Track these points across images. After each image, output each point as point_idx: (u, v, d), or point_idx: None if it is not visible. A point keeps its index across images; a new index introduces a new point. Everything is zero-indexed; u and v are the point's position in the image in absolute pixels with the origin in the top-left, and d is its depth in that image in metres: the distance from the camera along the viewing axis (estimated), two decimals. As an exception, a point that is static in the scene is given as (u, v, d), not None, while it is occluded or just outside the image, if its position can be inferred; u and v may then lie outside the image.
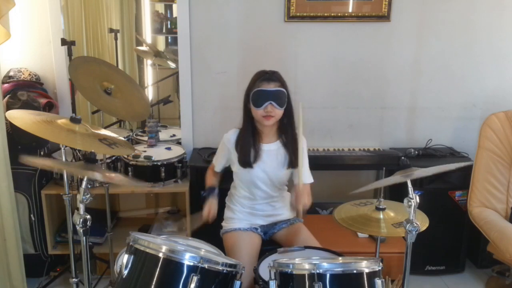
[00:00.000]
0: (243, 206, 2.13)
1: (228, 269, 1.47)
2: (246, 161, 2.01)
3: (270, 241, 2.15)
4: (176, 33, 2.85)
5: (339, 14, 2.82)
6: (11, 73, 2.69)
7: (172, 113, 3.54)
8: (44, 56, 2.79)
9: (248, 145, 2.02)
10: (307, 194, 1.94)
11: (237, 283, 1.50)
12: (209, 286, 1.44)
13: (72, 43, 2.41)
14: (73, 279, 2.06)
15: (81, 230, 1.53)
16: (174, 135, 3.23)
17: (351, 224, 1.82)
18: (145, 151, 2.79)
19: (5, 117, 2.14)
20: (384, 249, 2.24)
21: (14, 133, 2.37)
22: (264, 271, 1.63)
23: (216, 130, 2.91)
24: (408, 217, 1.55)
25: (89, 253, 1.62)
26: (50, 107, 2.67)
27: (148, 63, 3.85)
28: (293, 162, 2.02)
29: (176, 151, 2.82)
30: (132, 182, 1.77)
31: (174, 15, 3.48)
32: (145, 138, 3.00)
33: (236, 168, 2.08)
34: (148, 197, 3.22)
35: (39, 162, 1.89)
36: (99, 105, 2.25)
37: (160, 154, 2.76)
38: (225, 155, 2.12)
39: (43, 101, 2.62)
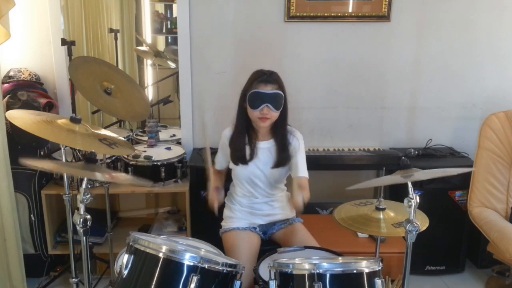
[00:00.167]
0: (242, 205, 2.13)
1: (228, 269, 1.47)
2: (238, 158, 2.03)
3: (270, 241, 2.15)
4: (176, 33, 2.85)
5: (339, 14, 2.82)
6: (11, 73, 2.69)
7: (172, 113, 3.54)
8: (44, 56, 2.79)
9: (241, 143, 2.03)
10: (305, 188, 1.95)
11: (237, 283, 1.50)
12: (209, 286, 1.44)
13: (72, 43, 2.41)
14: (73, 279, 2.06)
15: (81, 230, 1.53)
16: (174, 135, 3.23)
17: (351, 224, 1.81)
18: (145, 151, 2.79)
19: (5, 117, 2.14)
20: (384, 249, 2.23)
21: (14, 133, 2.37)
22: (264, 271, 1.63)
23: (216, 130, 2.89)
24: (408, 217, 1.55)
25: (89, 253, 1.61)
26: (50, 107, 2.67)
27: (148, 63, 3.85)
28: (284, 160, 2.02)
29: (176, 151, 2.82)
30: (136, 180, 1.76)
31: (174, 15, 3.48)
32: (145, 138, 3.00)
33: (231, 164, 2.10)
34: (148, 197, 3.21)
35: (39, 164, 1.89)
36: (99, 105, 2.25)
37: (160, 154, 2.76)
38: (224, 151, 2.13)
39: (43, 101, 2.62)
